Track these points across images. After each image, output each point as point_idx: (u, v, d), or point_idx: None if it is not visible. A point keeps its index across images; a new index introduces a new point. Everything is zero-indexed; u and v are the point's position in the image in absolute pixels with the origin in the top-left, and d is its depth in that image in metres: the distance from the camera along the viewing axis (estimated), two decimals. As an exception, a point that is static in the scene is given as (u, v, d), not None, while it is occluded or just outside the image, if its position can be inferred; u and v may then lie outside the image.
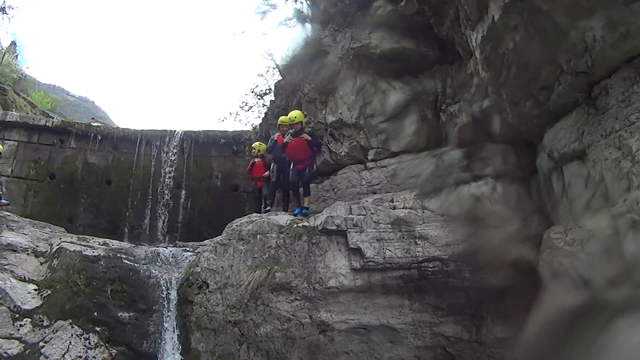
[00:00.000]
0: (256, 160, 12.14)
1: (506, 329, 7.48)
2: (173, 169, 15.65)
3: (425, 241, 7.85)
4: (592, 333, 5.72)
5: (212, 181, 15.87)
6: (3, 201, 12.50)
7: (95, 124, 18.58)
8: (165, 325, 8.19)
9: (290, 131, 10.23)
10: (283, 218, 9.13)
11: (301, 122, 10.13)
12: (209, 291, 8.29)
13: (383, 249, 7.90)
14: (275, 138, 11.15)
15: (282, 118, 11.21)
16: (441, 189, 8.37)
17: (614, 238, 5.76)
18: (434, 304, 7.94)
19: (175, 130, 16.21)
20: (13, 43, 26.27)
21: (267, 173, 11.58)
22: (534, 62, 6.52)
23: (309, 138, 9.95)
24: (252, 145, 12.61)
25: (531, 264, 7.29)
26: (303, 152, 10.04)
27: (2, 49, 24.26)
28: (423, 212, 8.20)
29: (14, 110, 17.63)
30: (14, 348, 7.36)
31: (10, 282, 8.19)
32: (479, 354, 7.82)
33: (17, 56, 26.12)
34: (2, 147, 13.96)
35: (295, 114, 10.12)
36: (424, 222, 8.05)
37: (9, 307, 7.79)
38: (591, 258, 6.08)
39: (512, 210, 7.81)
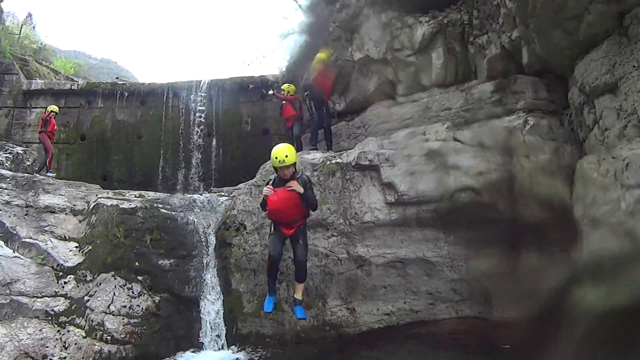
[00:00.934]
0: (284, 102, 12.37)
1: (542, 261, 7.31)
2: (202, 118, 15.84)
3: (457, 171, 7.78)
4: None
5: (242, 127, 16.03)
6: None
7: (120, 82, 18.71)
8: (205, 269, 8.38)
9: (272, 177, 6.79)
10: (316, 155, 9.10)
11: (294, 164, 6.43)
12: (247, 232, 8.42)
13: (416, 182, 7.87)
14: (313, 77, 11.04)
15: (319, 55, 11.04)
16: (473, 122, 8.28)
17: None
18: (468, 237, 7.90)
19: (201, 80, 16.31)
20: (29, 15, 26.69)
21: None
22: (561, -9, 6.27)
23: (301, 191, 6.33)
24: (281, 87, 12.70)
25: (564, 201, 7.21)
26: (293, 211, 6.48)
27: (18, 21, 24.54)
28: (455, 144, 8.08)
29: (37, 78, 17.81)
30: (60, 305, 7.63)
31: (52, 242, 8.50)
32: (515, 287, 7.77)
33: (34, 27, 26.36)
34: (56, 107, 14.43)
35: (285, 152, 6.31)
36: (456, 153, 7.94)
37: (52, 267, 8.10)
38: (631, 208, 5.70)
39: (543, 140, 7.69)
